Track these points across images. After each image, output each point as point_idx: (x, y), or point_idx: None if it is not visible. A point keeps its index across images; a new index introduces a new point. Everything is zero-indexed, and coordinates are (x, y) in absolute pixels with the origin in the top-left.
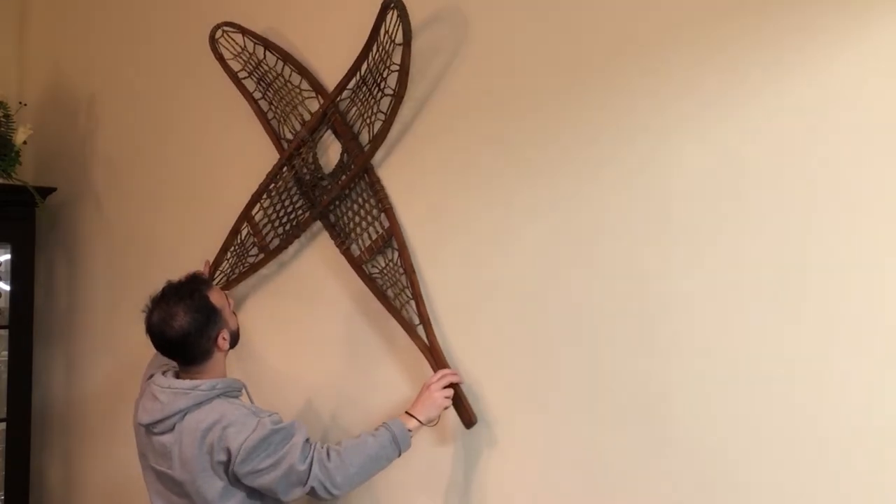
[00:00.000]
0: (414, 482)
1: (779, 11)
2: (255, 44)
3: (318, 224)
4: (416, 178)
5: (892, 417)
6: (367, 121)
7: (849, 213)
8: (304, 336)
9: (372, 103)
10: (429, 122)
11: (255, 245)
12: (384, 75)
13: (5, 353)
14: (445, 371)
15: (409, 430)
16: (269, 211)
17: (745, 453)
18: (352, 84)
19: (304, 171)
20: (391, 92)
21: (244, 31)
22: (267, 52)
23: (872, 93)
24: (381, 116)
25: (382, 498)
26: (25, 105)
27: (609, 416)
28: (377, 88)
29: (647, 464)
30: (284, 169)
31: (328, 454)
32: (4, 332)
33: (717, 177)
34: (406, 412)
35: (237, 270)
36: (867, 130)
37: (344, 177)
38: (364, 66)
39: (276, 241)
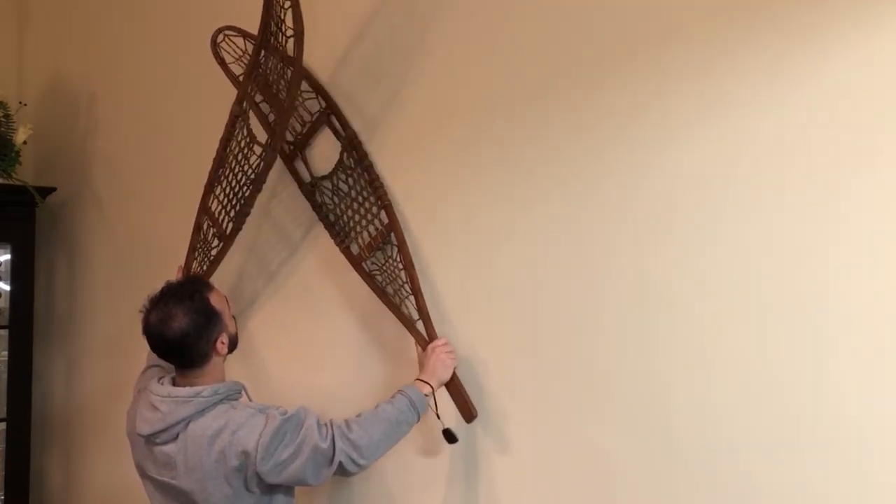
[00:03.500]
0: (414, 479)
1: (778, 11)
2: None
3: (321, 226)
4: (419, 175)
5: (890, 417)
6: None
7: (849, 213)
8: (311, 342)
9: (281, 50)
10: (428, 117)
11: (215, 236)
12: (282, 17)
13: (5, 353)
14: (445, 340)
15: (426, 395)
16: (221, 197)
17: (745, 452)
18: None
19: (244, 146)
20: (291, 33)
21: (245, 35)
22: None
23: (872, 93)
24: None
25: (385, 494)
26: (25, 105)
27: (611, 413)
28: (281, 34)
29: (649, 462)
30: (227, 150)
31: (349, 426)
32: (4, 332)
33: (718, 176)
34: (417, 379)
35: (204, 266)
36: (867, 130)
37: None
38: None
39: (231, 226)
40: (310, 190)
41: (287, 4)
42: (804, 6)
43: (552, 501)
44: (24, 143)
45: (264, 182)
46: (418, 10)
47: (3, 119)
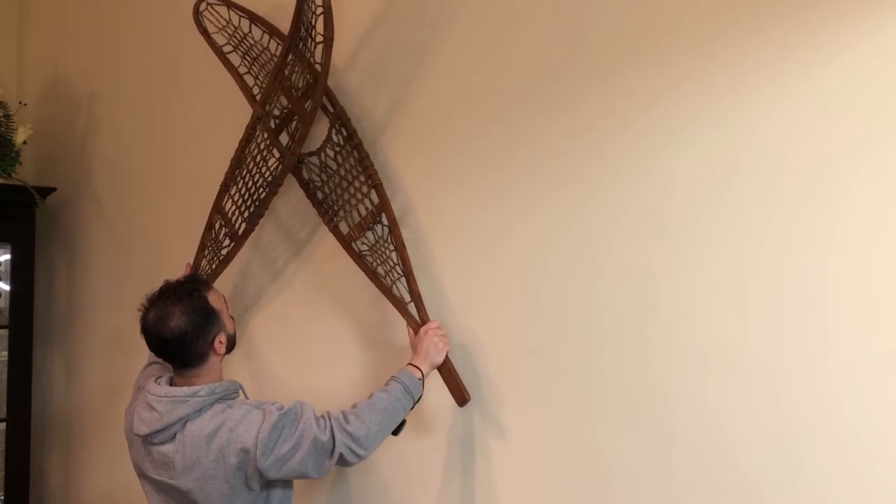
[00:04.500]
0: (411, 467)
1: (777, 12)
2: (240, 17)
3: (324, 228)
4: (426, 172)
5: (889, 417)
6: (305, 76)
7: (849, 213)
8: (314, 340)
9: (308, 56)
10: (435, 117)
11: (227, 235)
12: (313, 23)
13: (5, 353)
14: (437, 323)
15: (420, 379)
16: (236, 197)
17: (743, 452)
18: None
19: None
20: (321, 39)
21: (229, 4)
22: (252, 26)
23: (871, 92)
24: (318, 66)
25: (379, 481)
26: (25, 105)
27: (609, 409)
28: (310, 39)
29: (645, 456)
30: (246, 152)
31: (346, 418)
32: (4, 332)
33: (717, 176)
34: (409, 364)
35: (213, 265)
36: (866, 129)
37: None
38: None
39: (244, 226)
40: (296, 166)
41: (319, 10)
42: (804, 6)
43: (549, 493)
44: (24, 143)
45: (280, 185)
46: (425, 14)
47: (3, 119)
